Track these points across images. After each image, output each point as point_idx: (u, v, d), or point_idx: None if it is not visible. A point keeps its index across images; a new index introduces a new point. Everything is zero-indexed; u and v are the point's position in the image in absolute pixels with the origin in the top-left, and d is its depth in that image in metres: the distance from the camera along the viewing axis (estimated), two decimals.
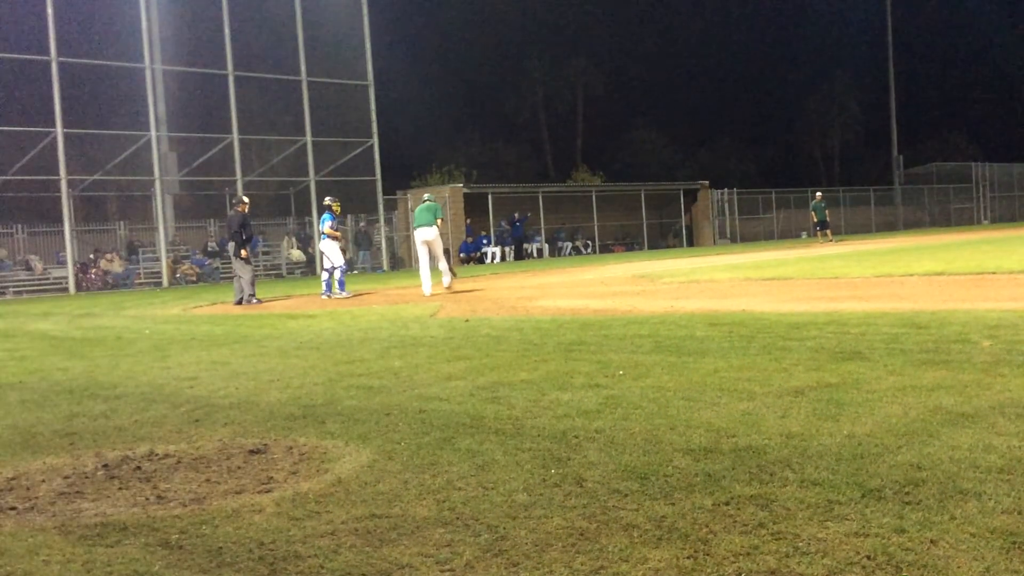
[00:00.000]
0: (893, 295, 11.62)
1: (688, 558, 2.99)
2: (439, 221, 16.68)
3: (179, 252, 31.84)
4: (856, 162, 75.51)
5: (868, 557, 2.90)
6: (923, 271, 15.16)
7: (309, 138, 32.05)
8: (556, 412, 5.33)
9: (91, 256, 29.79)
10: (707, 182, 47.65)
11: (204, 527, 3.62)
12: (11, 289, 27.75)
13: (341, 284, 17.86)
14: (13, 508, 4.05)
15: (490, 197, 39.18)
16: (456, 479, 4.06)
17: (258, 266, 30.32)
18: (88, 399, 6.82)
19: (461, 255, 36.75)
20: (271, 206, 35.29)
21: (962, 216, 59.40)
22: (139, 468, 4.64)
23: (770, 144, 74.94)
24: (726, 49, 75.14)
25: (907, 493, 3.49)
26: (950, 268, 15.38)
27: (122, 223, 32.34)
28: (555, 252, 41.20)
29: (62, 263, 28.30)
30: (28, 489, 4.36)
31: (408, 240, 33.16)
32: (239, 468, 4.56)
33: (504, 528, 3.38)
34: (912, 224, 56.76)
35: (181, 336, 11.51)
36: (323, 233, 18.03)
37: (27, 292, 27.69)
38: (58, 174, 27.11)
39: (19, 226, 29.89)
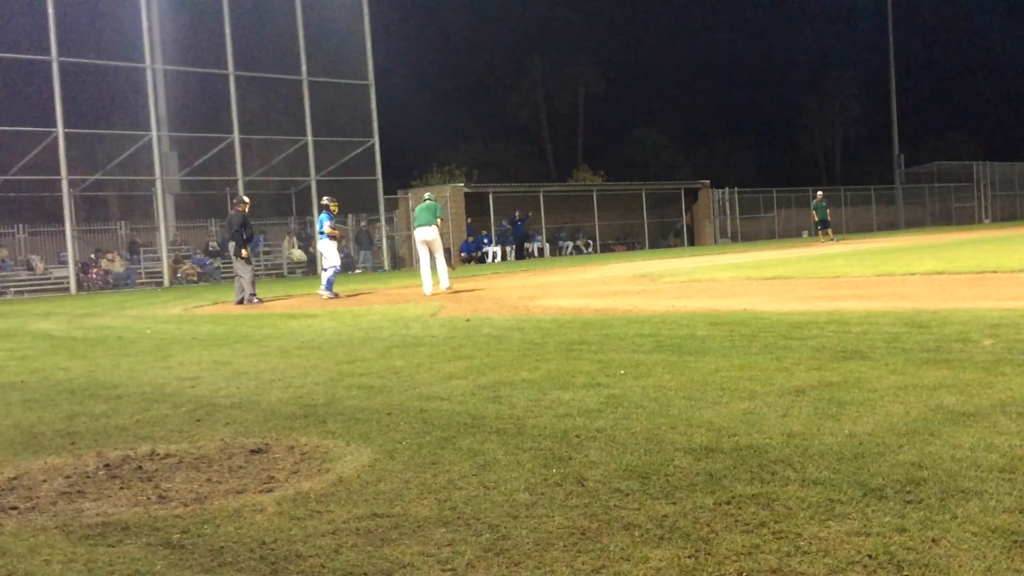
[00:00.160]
0: (894, 294, 11.61)
1: (689, 557, 2.99)
2: (439, 221, 16.65)
3: (180, 252, 31.85)
4: (857, 161, 75.50)
5: (869, 556, 2.90)
6: (924, 270, 15.15)
7: (310, 138, 32.06)
8: (557, 411, 5.33)
9: (92, 256, 29.81)
10: (708, 181, 47.64)
11: (206, 527, 3.62)
12: (12, 289, 27.77)
13: (328, 284, 17.80)
14: (15, 508, 4.05)
15: (491, 196, 39.18)
16: (457, 478, 4.06)
17: (259, 266, 30.35)
18: (89, 399, 6.82)
19: (462, 254, 36.74)
20: (272, 206, 35.30)
21: (963, 215, 59.37)
22: (140, 468, 4.64)
23: (771, 143, 74.96)
24: (727, 48, 75.15)
25: (908, 492, 3.49)
26: (951, 267, 15.37)
27: (123, 223, 32.36)
28: (556, 251, 41.19)
29: (63, 263, 28.31)
30: (30, 489, 4.37)
31: (409, 240, 33.18)
32: (240, 468, 4.56)
33: (505, 527, 3.38)
34: (913, 223, 56.74)
35: (182, 336, 11.51)
36: (323, 233, 17.99)
37: (28, 292, 27.71)
38: (59, 174, 27.13)
39: (20, 226, 29.92)
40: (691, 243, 45.56)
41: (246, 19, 30.98)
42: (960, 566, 2.80)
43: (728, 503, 3.50)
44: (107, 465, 4.71)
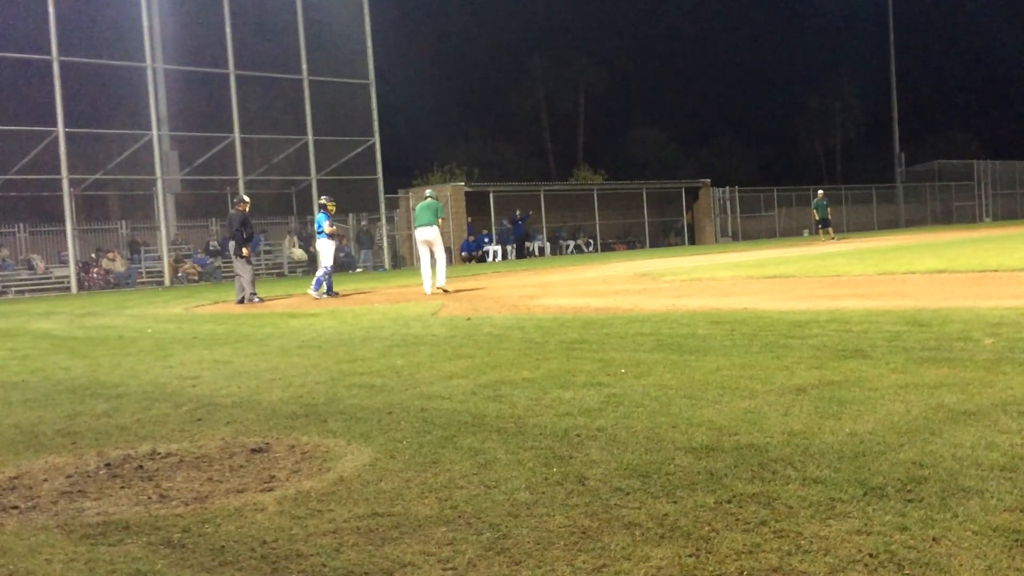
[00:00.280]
0: (895, 293, 11.61)
1: (690, 556, 2.99)
2: (440, 220, 16.60)
3: (181, 251, 31.85)
4: (858, 160, 75.44)
5: (870, 555, 2.90)
6: (925, 269, 15.15)
7: (311, 137, 32.07)
8: (558, 410, 5.33)
9: (93, 255, 29.81)
10: (708, 180, 47.62)
11: (206, 526, 3.62)
12: (13, 288, 27.77)
13: (317, 284, 17.77)
14: (15, 507, 4.06)
15: (492, 196, 39.18)
16: (458, 477, 4.06)
17: (259, 265, 30.35)
18: (90, 398, 6.82)
19: (463, 254, 36.75)
20: (273, 205, 35.30)
21: (964, 214, 59.33)
22: (141, 467, 4.65)
23: (772, 142, 74.89)
24: (728, 47, 75.14)
25: (909, 491, 3.49)
26: (952, 266, 15.37)
27: (124, 222, 32.35)
28: (557, 250, 41.19)
29: (64, 262, 28.32)
30: (30, 488, 4.37)
31: (410, 239, 33.18)
32: (241, 467, 4.57)
33: (506, 526, 3.38)
34: (914, 222, 56.71)
35: (183, 335, 11.51)
36: (322, 232, 17.92)
37: (29, 291, 27.72)
38: (60, 173, 27.13)
39: (21, 225, 29.92)
40: (692, 242, 45.55)
41: (247, 18, 31.00)
42: (961, 565, 2.80)
43: (729, 502, 3.50)
44: (108, 464, 4.71)
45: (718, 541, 3.10)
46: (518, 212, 39.47)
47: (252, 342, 10.16)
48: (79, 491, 4.27)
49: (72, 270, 27.72)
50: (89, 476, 4.53)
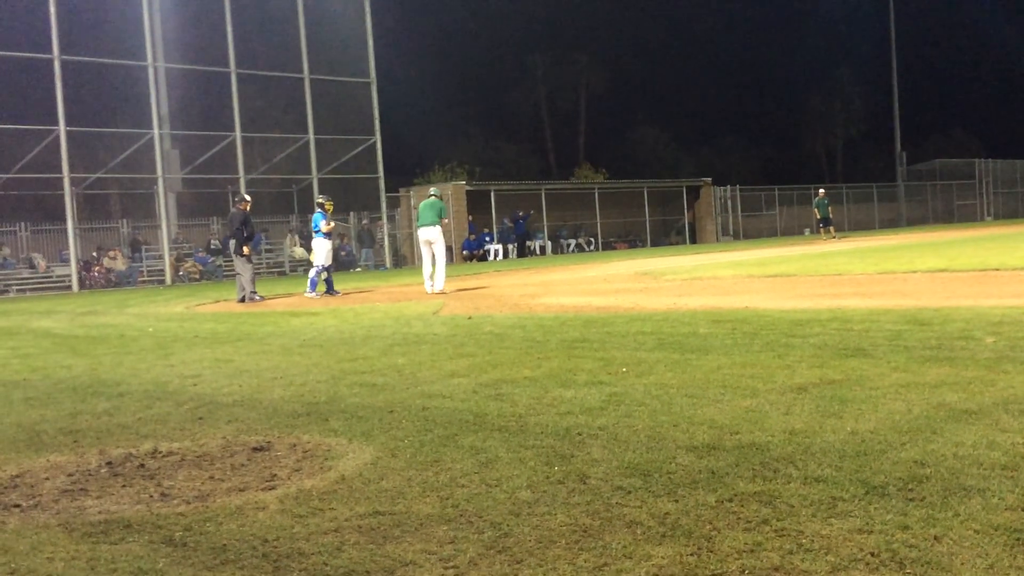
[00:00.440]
0: (896, 292, 11.60)
1: (691, 555, 2.99)
2: (443, 220, 16.45)
3: (182, 250, 31.86)
4: (859, 158, 75.42)
5: (872, 554, 2.90)
6: (926, 268, 15.14)
7: (312, 136, 32.06)
8: (559, 409, 5.33)
9: (94, 254, 29.83)
10: (710, 179, 47.61)
11: (208, 524, 3.62)
12: (14, 287, 27.79)
13: (312, 284, 17.78)
14: (17, 505, 4.06)
15: (492, 194, 39.16)
16: (459, 476, 4.06)
17: (260, 264, 30.36)
18: (92, 397, 6.83)
19: (464, 252, 36.75)
20: (273, 204, 35.30)
21: (965, 213, 59.29)
22: (143, 466, 4.65)
23: (773, 141, 74.86)
24: (729, 46, 75.08)
25: (911, 490, 3.49)
26: (953, 265, 15.36)
27: (125, 221, 32.36)
28: (558, 249, 41.19)
29: (65, 261, 28.33)
30: (32, 487, 4.37)
31: (411, 238, 33.19)
32: (243, 466, 4.57)
33: (507, 525, 3.38)
34: (915, 221, 56.66)
35: (184, 334, 11.52)
36: (319, 231, 17.89)
37: (30, 290, 27.73)
38: (61, 172, 27.13)
39: (22, 224, 29.92)
40: (693, 241, 45.53)
41: (248, 17, 31.00)
42: (962, 564, 2.80)
43: (730, 501, 3.50)
44: (109, 463, 4.72)
45: (719, 540, 3.10)
46: (519, 211, 39.46)
47: (253, 341, 10.17)
48: (81, 489, 4.27)
49: (73, 269, 27.72)
50: (90, 475, 4.54)
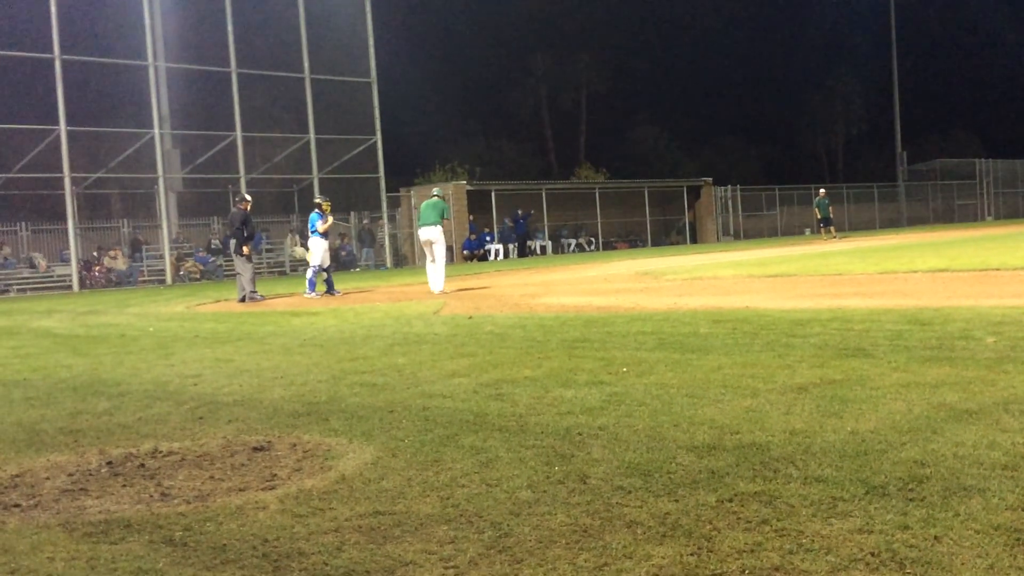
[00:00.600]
0: (897, 292, 11.60)
1: (692, 555, 2.99)
2: (444, 220, 16.39)
3: (182, 249, 31.87)
4: (859, 158, 75.37)
5: (872, 554, 2.90)
6: (927, 267, 15.14)
7: (312, 135, 32.06)
8: (559, 409, 5.33)
9: (95, 253, 29.83)
10: (710, 179, 47.61)
11: (208, 524, 3.62)
12: (15, 287, 27.79)
13: (311, 285, 17.76)
14: (17, 505, 4.06)
15: (493, 194, 39.17)
16: (459, 476, 4.06)
17: (261, 263, 30.36)
18: (92, 396, 6.83)
19: (465, 252, 36.75)
20: (274, 203, 35.31)
21: (966, 212, 59.27)
22: (143, 465, 4.65)
23: (773, 141, 74.79)
24: (729, 46, 75.00)
25: (911, 490, 3.49)
26: (954, 264, 15.36)
27: (125, 220, 32.36)
28: (558, 249, 41.19)
29: (66, 261, 28.34)
30: (32, 486, 4.37)
31: (411, 237, 33.19)
32: (243, 465, 4.57)
33: (507, 525, 3.38)
34: (916, 220, 56.64)
35: (185, 333, 11.52)
36: (315, 231, 17.87)
37: (31, 290, 27.74)
38: (62, 171, 27.13)
39: (23, 223, 29.93)
40: (693, 241, 45.53)
41: (248, 17, 31.00)
42: (962, 564, 2.80)
43: (730, 501, 3.50)
44: (110, 463, 4.72)
45: (720, 540, 3.10)
46: (520, 211, 39.46)
47: (254, 340, 10.17)
48: (81, 489, 4.27)
49: (74, 268, 27.73)
50: (91, 474, 4.54)
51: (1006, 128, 75.46)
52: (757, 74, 75.55)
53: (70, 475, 4.53)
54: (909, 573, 2.76)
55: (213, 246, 32.35)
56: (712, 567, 2.89)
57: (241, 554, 3.27)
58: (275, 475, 4.34)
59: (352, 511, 3.67)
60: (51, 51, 26.54)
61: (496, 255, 37.81)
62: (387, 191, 34.47)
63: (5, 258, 28.93)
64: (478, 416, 5.26)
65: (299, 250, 33.93)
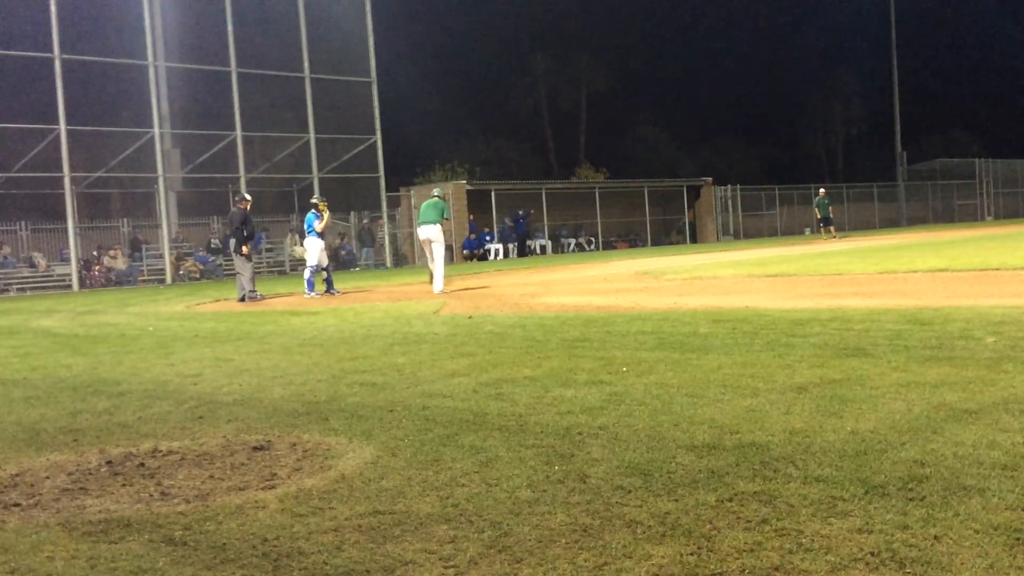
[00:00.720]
0: (897, 291, 11.60)
1: (691, 554, 2.99)
2: (443, 220, 16.36)
3: (182, 249, 31.86)
4: (859, 158, 75.31)
5: (871, 554, 2.90)
6: (927, 267, 15.14)
7: (312, 135, 32.06)
8: (559, 409, 5.33)
9: (94, 253, 29.83)
10: (710, 179, 47.61)
11: (208, 523, 3.62)
12: (15, 286, 27.79)
13: (310, 285, 17.75)
14: (17, 504, 4.06)
15: (493, 194, 39.16)
16: (459, 476, 4.06)
17: (261, 263, 30.36)
18: (92, 396, 6.83)
19: (464, 252, 36.75)
20: (274, 203, 35.31)
21: (966, 212, 59.26)
22: (143, 465, 4.65)
23: (773, 141, 74.79)
24: (730, 46, 75.01)
25: (911, 489, 3.49)
26: (954, 264, 15.36)
27: (125, 220, 32.36)
28: (558, 249, 41.18)
29: (65, 260, 28.34)
30: (32, 486, 4.37)
31: (411, 237, 33.18)
32: (243, 465, 4.57)
33: (507, 524, 3.38)
34: (915, 220, 56.65)
35: (185, 333, 11.52)
36: (312, 231, 17.86)
37: (31, 289, 27.74)
38: (61, 171, 27.13)
39: (22, 223, 29.93)
40: (693, 240, 45.53)
41: (248, 16, 30.99)
42: (962, 563, 2.80)
43: (730, 500, 3.50)
44: (109, 462, 4.72)
45: (719, 539, 3.10)
46: (520, 210, 39.46)
47: (253, 340, 10.17)
48: (81, 489, 4.27)
49: (74, 268, 27.73)
50: (91, 474, 4.54)
51: (1006, 128, 75.48)
52: (757, 74, 75.53)
53: (70, 474, 4.53)
54: (909, 573, 2.76)
55: (213, 245, 32.35)
56: (712, 567, 2.89)
57: (241, 553, 3.27)
58: (275, 474, 4.34)
59: (352, 510, 3.67)
60: (51, 51, 26.54)
61: (496, 255, 37.81)
62: (387, 191, 34.48)
63: (5, 257, 28.93)
64: (478, 416, 5.26)
65: (299, 249, 33.90)
